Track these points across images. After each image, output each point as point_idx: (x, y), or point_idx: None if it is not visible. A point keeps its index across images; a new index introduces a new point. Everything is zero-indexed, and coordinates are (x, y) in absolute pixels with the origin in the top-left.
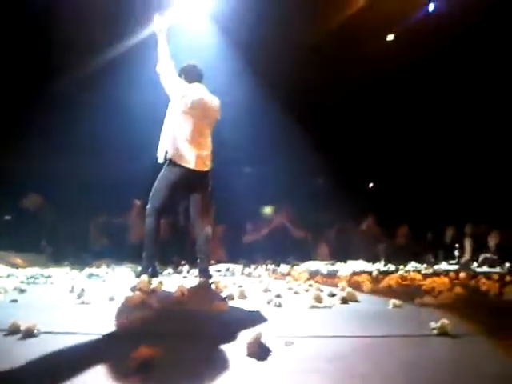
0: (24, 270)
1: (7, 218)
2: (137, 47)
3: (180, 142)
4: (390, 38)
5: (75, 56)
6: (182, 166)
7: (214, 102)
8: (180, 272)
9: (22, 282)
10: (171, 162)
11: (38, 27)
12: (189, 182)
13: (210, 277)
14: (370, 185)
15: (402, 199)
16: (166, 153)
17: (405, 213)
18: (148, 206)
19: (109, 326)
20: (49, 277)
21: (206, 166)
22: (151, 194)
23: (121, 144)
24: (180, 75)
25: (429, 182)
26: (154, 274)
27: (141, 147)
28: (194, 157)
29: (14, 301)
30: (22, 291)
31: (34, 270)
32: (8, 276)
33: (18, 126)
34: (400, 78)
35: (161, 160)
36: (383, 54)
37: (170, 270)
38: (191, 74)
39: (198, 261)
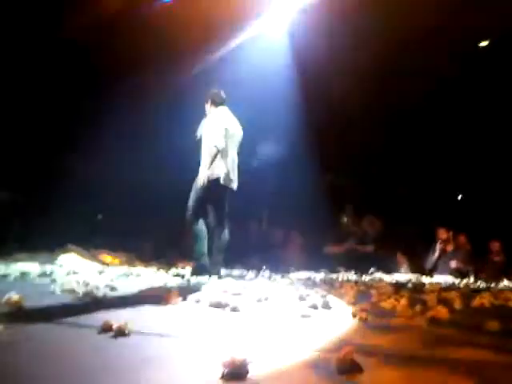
0: (114, 268)
1: (100, 217)
2: None
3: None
4: None
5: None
6: (217, 183)
7: (236, 123)
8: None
9: (112, 280)
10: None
11: None
12: (218, 194)
13: (219, 273)
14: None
15: (485, 212)
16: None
17: (488, 227)
18: (189, 214)
19: (195, 328)
20: (138, 275)
21: (234, 183)
22: (189, 203)
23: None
24: (207, 100)
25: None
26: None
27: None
28: (224, 174)
29: (106, 298)
30: (112, 289)
31: (124, 269)
32: (100, 273)
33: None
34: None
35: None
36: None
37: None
38: (217, 99)
39: (213, 255)
